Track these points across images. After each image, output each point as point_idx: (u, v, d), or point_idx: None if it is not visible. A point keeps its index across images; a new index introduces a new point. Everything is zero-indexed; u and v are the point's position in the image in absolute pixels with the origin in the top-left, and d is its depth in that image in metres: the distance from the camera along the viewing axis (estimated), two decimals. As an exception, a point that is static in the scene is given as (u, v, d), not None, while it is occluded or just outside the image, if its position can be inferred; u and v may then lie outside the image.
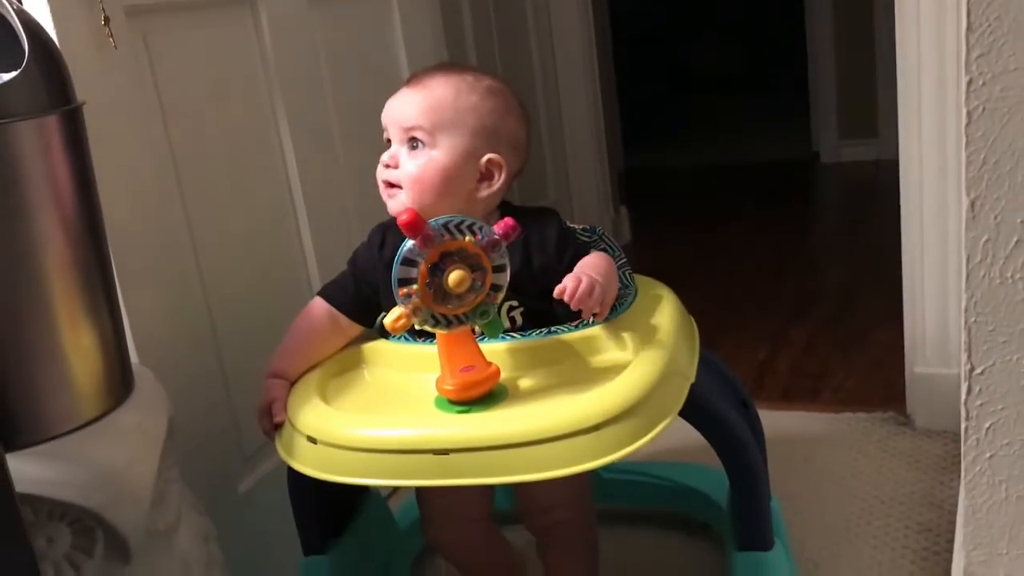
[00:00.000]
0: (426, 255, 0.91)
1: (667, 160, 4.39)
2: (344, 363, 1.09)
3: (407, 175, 1.06)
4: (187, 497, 1.03)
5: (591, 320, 1.01)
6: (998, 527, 0.95)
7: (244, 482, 1.36)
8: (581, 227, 1.17)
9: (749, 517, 1.12)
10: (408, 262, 0.91)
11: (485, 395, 0.93)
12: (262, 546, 1.32)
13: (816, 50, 3.90)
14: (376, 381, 1.07)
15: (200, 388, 1.27)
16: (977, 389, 0.92)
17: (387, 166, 1.08)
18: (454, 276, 0.92)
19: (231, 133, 1.35)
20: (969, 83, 0.83)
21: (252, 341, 1.34)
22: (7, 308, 0.83)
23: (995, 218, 0.86)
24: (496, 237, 0.94)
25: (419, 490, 1.21)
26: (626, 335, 1.01)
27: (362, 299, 1.10)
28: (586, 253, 1.09)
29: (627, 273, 1.13)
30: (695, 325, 1.16)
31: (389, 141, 1.09)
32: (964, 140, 0.85)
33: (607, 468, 1.01)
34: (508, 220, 0.95)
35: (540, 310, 1.05)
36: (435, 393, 0.95)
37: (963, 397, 0.93)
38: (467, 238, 0.92)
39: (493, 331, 0.97)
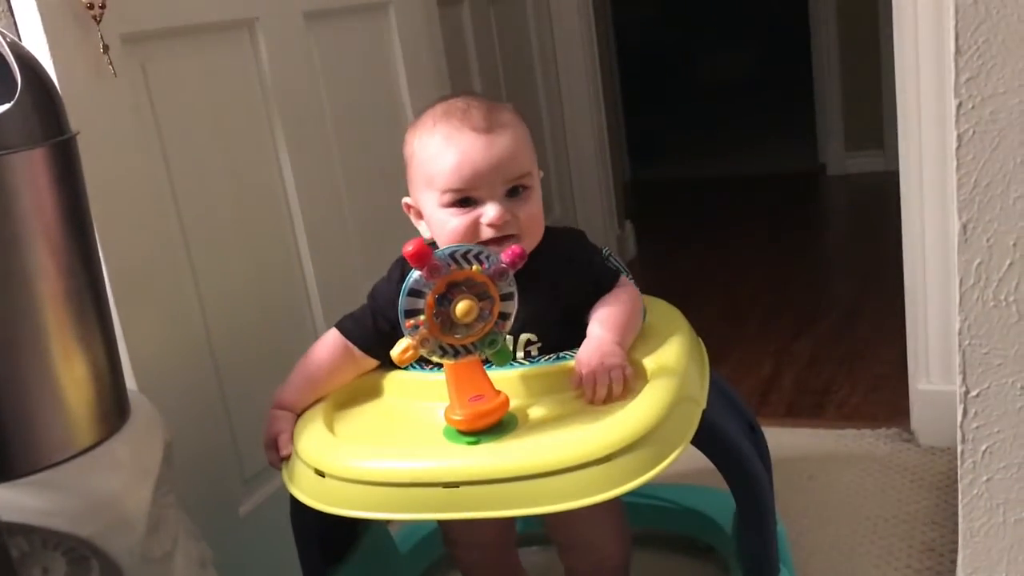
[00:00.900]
0: (433, 285, 0.90)
1: (672, 172, 4.39)
2: (352, 392, 1.08)
3: (528, 220, 1.04)
4: (184, 522, 1.03)
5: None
6: (996, 551, 0.95)
7: (244, 505, 1.36)
8: None
9: (756, 548, 1.10)
10: (415, 293, 0.90)
11: (495, 424, 0.92)
12: (263, 569, 1.32)
13: (822, 61, 3.89)
14: (384, 411, 1.06)
15: (200, 411, 1.27)
16: (973, 411, 0.92)
17: (506, 223, 1.02)
18: (461, 306, 0.91)
19: (230, 158, 1.35)
20: (959, 106, 0.84)
21: (252, 363, 1.35)
22: (1, 338, 0.83)
23: (987, 240, 0.86)
24: (503, 265, 0.93)
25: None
26: (636, 360, 1.00)
27: (379, 334, 1.08)
28: (610, 283, 1.08)
29: None
30: (704, 348, 1.15)
31: (452, 194, 1.02)
32: (956, 163, 0.85)
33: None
34: (515, 248, 0.94)
35: (559, 346, 1.04)
36: (443, 423, 0.94)
37: (959, 419, 0.93)
38: (474, 267, 0.91)
39: (501, 360, 0.96)
